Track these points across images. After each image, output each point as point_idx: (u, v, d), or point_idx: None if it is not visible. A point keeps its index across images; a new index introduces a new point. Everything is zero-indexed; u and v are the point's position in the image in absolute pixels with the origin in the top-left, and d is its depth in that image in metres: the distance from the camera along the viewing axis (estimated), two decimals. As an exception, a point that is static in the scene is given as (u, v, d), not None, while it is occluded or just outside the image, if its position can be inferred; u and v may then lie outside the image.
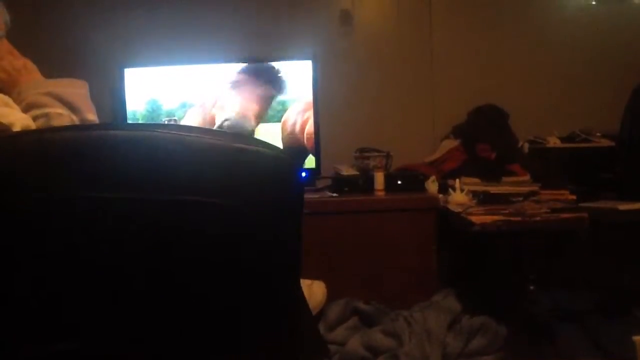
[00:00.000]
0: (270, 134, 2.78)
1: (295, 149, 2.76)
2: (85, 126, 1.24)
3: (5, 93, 1.29)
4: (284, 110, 2.78)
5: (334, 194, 2.70)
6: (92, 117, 1.37)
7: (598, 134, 2.85)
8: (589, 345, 1.98)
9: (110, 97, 2.80)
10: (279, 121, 2.79)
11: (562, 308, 2.14)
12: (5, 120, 1.17)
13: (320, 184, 2.87)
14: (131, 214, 1.01)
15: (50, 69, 1.45)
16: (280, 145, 2.71)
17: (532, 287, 2.24)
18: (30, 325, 1.05)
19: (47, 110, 1.31)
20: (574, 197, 2.50)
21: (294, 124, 2.80)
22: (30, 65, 1.40)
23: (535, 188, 2.57)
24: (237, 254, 1.14)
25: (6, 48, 1.40)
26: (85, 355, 1.08)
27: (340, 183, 2.77)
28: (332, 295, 2.36)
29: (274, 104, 2.78)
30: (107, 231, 1.01)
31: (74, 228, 1.00)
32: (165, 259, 1.06)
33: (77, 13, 3.04)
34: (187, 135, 1.03)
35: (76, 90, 1.37)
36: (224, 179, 1.05)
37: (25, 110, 1.30)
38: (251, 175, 1.06)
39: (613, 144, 2.76)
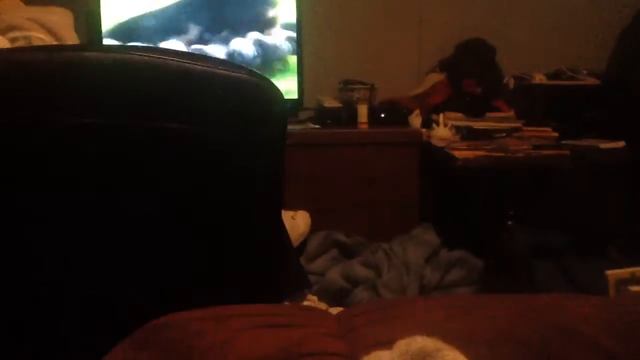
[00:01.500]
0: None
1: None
2: (56, 47, 1.19)
3: None
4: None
5: (317, 126, 2.67)
6: None
7: (584, 72, 2.83)
8: (564, 281, 2.02)
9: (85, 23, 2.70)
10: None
11: (539, 245, 2.16)
12: None
13: (302, 115, 2.83)
14: (104, 141, 0.98)
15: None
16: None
17: (510, 223, 2.27)
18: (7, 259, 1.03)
19: (28, 33, 1.25)
20: (556, 134, 2.50)
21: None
22: None
23: (518, 125, 2.57)
24: (218, 183, 1.12)
25: None
26: (67, 290, 1.07)
27: (323, 115, 2.73)
28: (312, 228, 2.37)
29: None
30: (77, 158, 0.98)
31: (42, 155, 0.96)
32: (142, 189, 1.03)
33: None
34: (165, 58, 0.98)
35: (60, 18, 1.31)
36: (204, 106, 1.01)
37: (5, 31, 1.24)
38: (232, 103, 1.03)
39: (599, 82, 2.74)
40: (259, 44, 2.70)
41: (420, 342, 0.57)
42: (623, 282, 1.88)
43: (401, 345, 0.58)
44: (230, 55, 2.69)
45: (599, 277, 1.89)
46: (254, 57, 2.69)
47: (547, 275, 2.02)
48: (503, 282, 2.10)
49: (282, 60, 2.72)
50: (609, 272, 1.88)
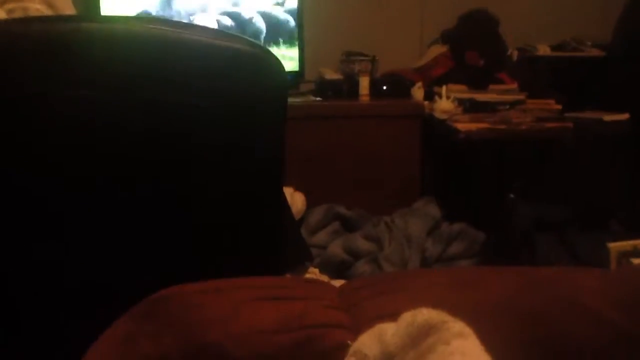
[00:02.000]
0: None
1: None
2: (54, 17, 1.17)
3: None
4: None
5: (318, 99, 2.65)
6: None
7: (589, 44, 2.79)
8: (565, 254, 2.02)
9: None
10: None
11: (541, 218, 2.16)
12: None
13: (303, 88, 2.81)
14: (103, 113, 0.97)
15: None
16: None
17: (512, 196, 2.26)
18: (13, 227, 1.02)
19: (25, 4, 1.23)
20: (559, 107, 2.48)
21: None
22: None
23: (521, 97, 2.55)
24: (217, 156, 1.11)
25: None
26: (67, 274, 1.06)
27: (324, 87, 2.71)
28: (314, 202, 2.37)
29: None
30: (75, 131, 0.97)
31: (39, 129, 0.95)
32: (140, 162, 1.02)
33: None
34: (163, 29, 0.97)
35: None
36: (202, 77, 0.99)
37: (1, 3, 1.22)
38: (232, 74, 1.01)
39: (604, 54, 2.71)
40: (261, 15, 2.67)
41: (426, 314, 0.57)
42: (625, 255, 1.88)
43: (406, 317, 0.58)
44: (231, 27, 2.65)
45: (600, 250, 1.89)
46: (255, 29, 2.66)
47: (548, 249, 2.02)
48: (504, 255, 2.10)
49: (283, 32, 2.69)
50: (611, 245, 1.88)
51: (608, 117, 2.36)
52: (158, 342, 0.63)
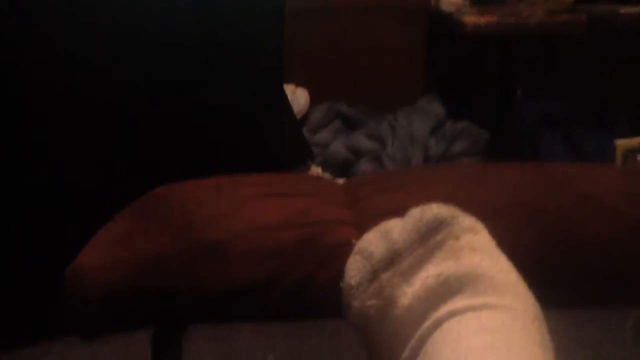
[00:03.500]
0: None
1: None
2: None
3: None
4: None
5: (319, -9, 2.54)
6: None
7: None
8: (570, 151, 1.99)
9: None
10: None
11: (547, 116, 2.12)
12: None
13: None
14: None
15: None
16: None
17: (519, 93, 2.21)
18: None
19: None
20: (572, -1, 2.37)
21: None
22: None
23: (533, -12, 2.43)
24: (219, 49, 1.09)
25: None
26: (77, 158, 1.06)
27: (325, -21, 2.59)
28: (316, 100, 2.32)
29: None
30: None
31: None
32: (147, 57, 1.00)
33: None
34: None
35: None
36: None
37: None
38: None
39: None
40: None
41: (436, 209, 0.54)
42: (632, 152, 1.85)
43: (414, 213, 0.55)
44: None
45: (606, 148, 1.86)
46: None
47: (553, 146, 1.99)
48: (508, 153, 2.07)
49: None
50: (618, 142, 1.85)
51: (625, 9, 2.25)
52: (155, 240, 0.60)
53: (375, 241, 0.56)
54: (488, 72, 2.44)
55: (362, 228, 0.62)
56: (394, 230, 0.56)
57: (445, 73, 2.53)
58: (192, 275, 0.58)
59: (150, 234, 0.61)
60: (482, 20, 2.13)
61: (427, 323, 0.50)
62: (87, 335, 0.63)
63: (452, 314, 0.49)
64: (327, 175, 1.98)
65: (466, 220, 0.53)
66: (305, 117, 2.25)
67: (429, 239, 0.52)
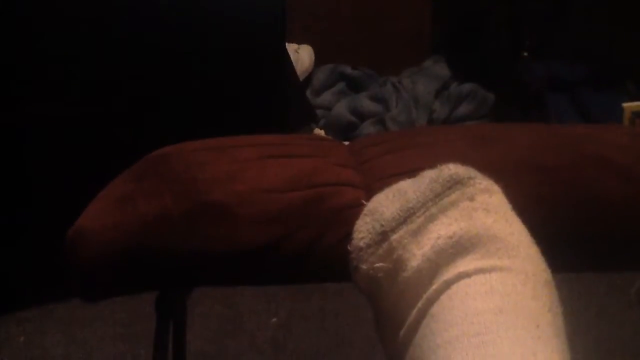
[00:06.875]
0: None
1: None
2: None
3: None
4: None
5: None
6: None
7: None
8: (577, 113, 1.96)
9: None
10: None
11: (554, 77, 2.08)
12: None
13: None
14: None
15: None
16: None
17: (525, 54, 2.17)
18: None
19: None
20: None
21: None
22: None
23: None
24: (221, 13, 1.06)
25: None
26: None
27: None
28: (318, 62, 2.28)
29: None
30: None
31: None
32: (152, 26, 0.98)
33: None
34: None
35: None
36: None
37: None
38: None
39: None
40: None
41: (453, 169, 0.52)
42: (638, 115, 1.83)
43: (429, 173, 0.53)
44: None
45: (612, 111, 1.84)
46: None
47: (560, 108, 1.97)
48: (514, 115, 2.04)
49: None
50: (625, 105, 1.83)
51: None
52: (157, 201, 0.59)
53: (386, 202, 0.54)
54: (494, 31, 2.39)
55: (369, 190, 0.61)
56: (407, 190, 0.55)
57: (451, 34, 2.49)
58: (196, 237, 0.57)
59: (153, 196, 0.59)
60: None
61: (436, 285, 0.49)
62: (90, 298, 0.62)
63: (460, 276, 0.48)
64: (330, 139, 1.96)
65: (483, 182, 0.52)
66: (309, 78, 2.22)
67: (443, 198, 0.51)
